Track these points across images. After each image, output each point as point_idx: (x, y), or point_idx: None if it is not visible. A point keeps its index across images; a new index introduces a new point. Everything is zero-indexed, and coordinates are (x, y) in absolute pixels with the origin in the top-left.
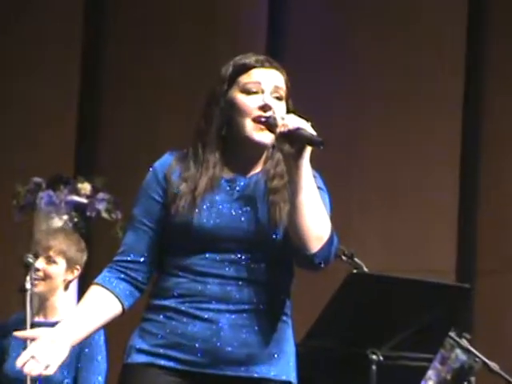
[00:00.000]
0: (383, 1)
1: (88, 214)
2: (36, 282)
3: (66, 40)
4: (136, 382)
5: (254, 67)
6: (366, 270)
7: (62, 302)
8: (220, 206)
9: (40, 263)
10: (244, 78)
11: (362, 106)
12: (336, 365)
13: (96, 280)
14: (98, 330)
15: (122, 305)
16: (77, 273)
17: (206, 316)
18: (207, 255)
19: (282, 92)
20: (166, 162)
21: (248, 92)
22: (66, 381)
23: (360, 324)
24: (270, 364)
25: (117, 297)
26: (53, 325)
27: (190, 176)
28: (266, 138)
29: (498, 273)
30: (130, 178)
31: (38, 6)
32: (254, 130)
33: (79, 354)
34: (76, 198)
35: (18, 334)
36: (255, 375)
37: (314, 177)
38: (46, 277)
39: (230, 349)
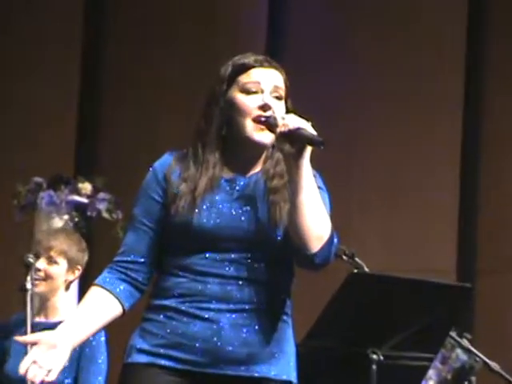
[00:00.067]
0: (383, 1)
1: (89, 213)
2: (37, 282)
3: (66, 40)
4: (136, 382)
5: (254, 67)
6: (366, 269)
7: (63, 302)
8: (220, 206)
9: (41, 263)
10: (243, 78)
11: (362, 106)
12: (336, 364)
13: (96, 281)
14: (98, 331)
15: (123, 306)
16: (78, 273)
17: (206, 316)
18: (207, 255)
19: (282, 91)
20: (166, 162)
21: (247, 92)
22: (66, 381)
23: (360, 324)
24: (271, 363)
25: (117, 298)
26: (54, 325)
27: (189, 176)
28: (265, 137)
29: (498, 273)
30: (130, 177)
31: (38, 5)
32: (254, 129)
33: (80, 354)
34: (77, 198)
35: (18, 338)
36: (256, 375)
37: (314, 176)
38: (47, 277)
39: (230, 348)
